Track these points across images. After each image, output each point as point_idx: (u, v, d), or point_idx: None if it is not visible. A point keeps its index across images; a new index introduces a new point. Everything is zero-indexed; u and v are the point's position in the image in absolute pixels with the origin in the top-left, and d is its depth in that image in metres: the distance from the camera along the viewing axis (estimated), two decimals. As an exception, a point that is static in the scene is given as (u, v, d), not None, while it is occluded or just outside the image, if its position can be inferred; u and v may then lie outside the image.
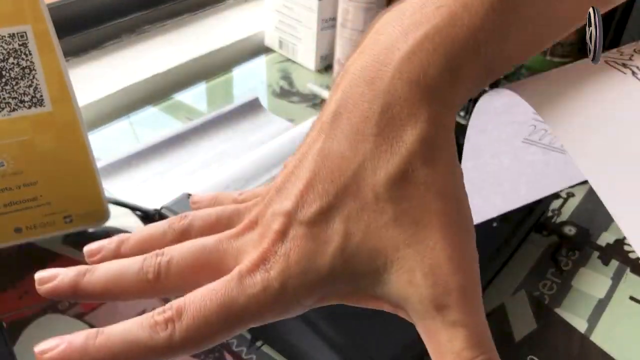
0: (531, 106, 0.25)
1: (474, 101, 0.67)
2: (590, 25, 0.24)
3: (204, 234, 0.25)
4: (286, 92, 0.70)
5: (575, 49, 0.66)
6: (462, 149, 0.51)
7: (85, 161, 0.47)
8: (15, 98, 0.43)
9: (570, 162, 0.37)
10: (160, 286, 0.24)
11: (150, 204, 0.51)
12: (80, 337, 0.22)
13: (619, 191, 0.23)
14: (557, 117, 0.24)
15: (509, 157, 0.36)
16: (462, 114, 0.65)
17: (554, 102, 0.25)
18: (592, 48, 0.25)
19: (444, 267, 0.21)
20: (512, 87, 0.26)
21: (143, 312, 0.44)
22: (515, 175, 0.38)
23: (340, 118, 0.22)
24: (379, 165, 0.21)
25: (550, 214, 0.54)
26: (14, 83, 0.42)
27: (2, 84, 0.42)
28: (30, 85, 0.43)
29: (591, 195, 0.57)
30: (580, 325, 0.45)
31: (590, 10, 0.24)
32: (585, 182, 0.59)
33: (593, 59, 0.25)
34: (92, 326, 0.43)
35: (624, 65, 0.27)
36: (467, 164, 0.35)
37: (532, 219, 0.48)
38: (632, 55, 0.27)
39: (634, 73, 0.26)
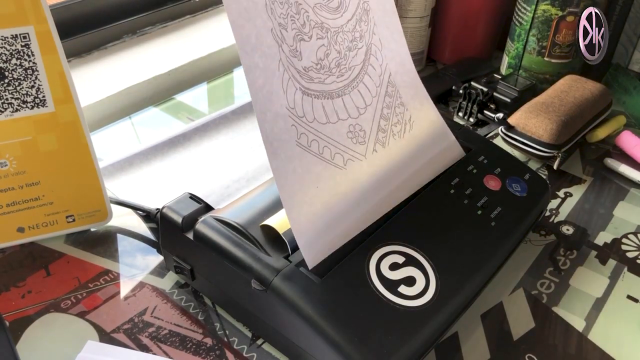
0: None
1: (473, 102, 0.67)
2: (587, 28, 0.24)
3: None
4: (287, 92, 0.70)
5: (573, 50, 0.66)
6: (468, 151, 0.51)
7: (87, 161, 0.47)
8: (18, 99, 0.43)
9: None
10: None
11: (152, 204, 0.51)
12: None
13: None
14: None
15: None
16: (460, 114, 0.66)
17: None
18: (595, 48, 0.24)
19: None
20: None
21: (145, 310, 0.45)
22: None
23: None
24: None
25: (548, 213, 0.55)
26: (16, 84, 0.43)
27: (5, 85, 0.43)
28: (32, 86, 0.43)
29: (589, 195, 0.57)
30: (578, 324, 0.45)
31: (593, 11, 0.24)
32: (584, 182, 0.59)
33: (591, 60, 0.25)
34: (94, 325, 0.43)
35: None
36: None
37: (530, 218, 0.49)
38: None
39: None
